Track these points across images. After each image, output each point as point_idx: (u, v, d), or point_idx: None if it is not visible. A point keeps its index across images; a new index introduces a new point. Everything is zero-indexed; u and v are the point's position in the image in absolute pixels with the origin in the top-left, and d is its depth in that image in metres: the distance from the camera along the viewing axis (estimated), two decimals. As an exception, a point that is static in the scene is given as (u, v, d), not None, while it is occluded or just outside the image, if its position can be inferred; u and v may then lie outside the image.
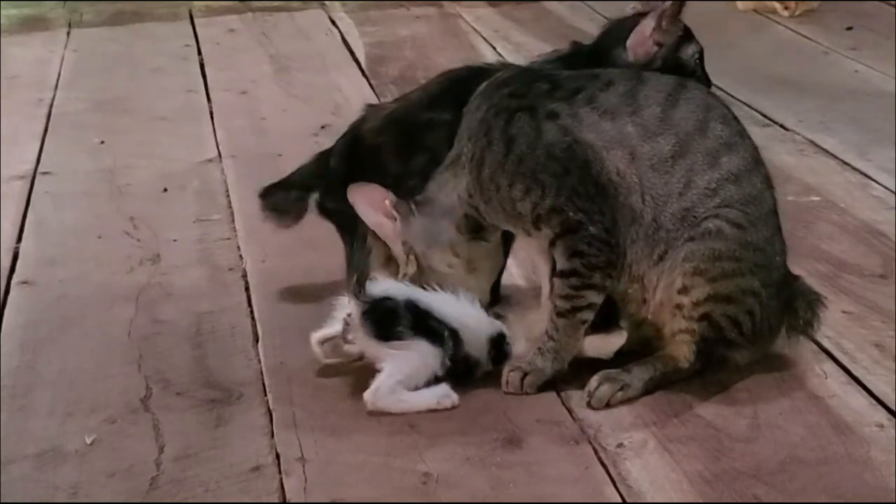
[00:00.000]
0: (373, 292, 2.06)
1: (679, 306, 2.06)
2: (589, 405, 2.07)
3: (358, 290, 2.06)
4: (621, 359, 2.14)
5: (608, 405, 2.07)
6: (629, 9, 2.39)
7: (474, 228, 2.16)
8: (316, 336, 2.16)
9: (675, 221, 2.05)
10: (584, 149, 2.05)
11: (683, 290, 2.05)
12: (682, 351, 2.10)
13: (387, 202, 2.17)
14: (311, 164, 2.47)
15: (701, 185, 2.04)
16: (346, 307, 2.08)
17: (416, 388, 2.06)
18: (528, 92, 2.11)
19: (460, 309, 2.10)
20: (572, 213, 2.05)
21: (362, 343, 2.07)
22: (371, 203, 2.19)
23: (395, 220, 2.17)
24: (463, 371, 2.10)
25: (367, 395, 2.05)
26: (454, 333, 2.08)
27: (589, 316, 2.11)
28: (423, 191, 2.18)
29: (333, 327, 2.13)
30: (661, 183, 2.04)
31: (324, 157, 2.42)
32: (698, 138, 2.05)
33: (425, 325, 2.05)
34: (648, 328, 2.14)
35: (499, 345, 2.13)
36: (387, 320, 2.05)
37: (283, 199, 2.49)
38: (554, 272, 2.10)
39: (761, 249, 2.08)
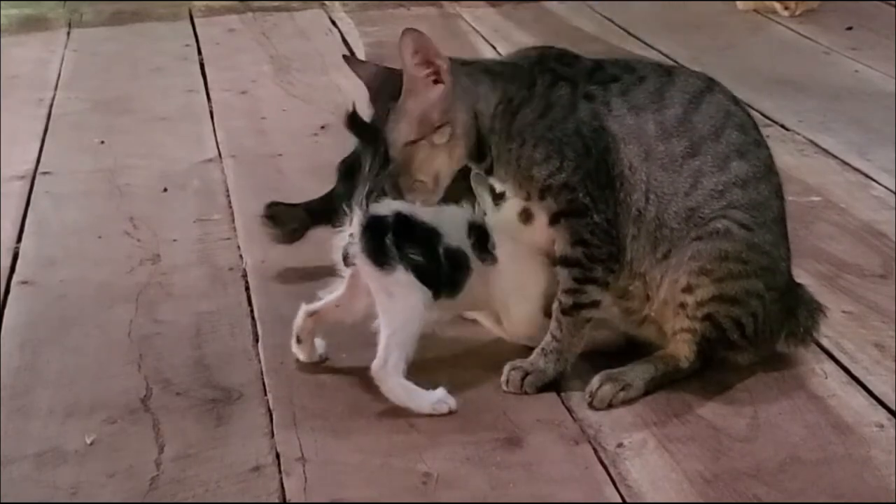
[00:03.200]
0: (375, 211, 2.07)
1: (683, 305, 2.07)
2: (591, 405, 2.07)
3: (366, 203, 2.06)
4: (621, 358, 2.14)
5: (610, 405, 2.07)
6: None
7: (471, 154, 2.12)
8: (306, 308, 2.18)
9: (679, 220, 2.05)
10: (607, 137, 2.05)
11: (688, 289, 2.05)
12: (683, 350, 2.10)
13: (441, 62, 2.06)
14: (319, 199, 2.54)
15: (708, 187, 2.05)
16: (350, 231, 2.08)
17: (413, 338, 2.06)
18: (573, 64, 2.12)
19: (437, 208, 2.13)
20: (582, 195, 2.05)
21: (359, 261, 2.06)
22: (421, 52, 2.05)
23: (445, 83, 2.07)
24: (453, 267, 2.10)
25: (374, 366, 2.04)
26: (433, 231, 2.09)
27: (592, 314, 2.11)
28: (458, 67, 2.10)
29: (324, 299, 2.16)
30: (667, 181, 2.05)
31: (331, 193, 2.50)
32: (711, 142, 2.06)
33: (411, 248, 2.06)
34: (650, 326, 2.14)
35: (479, 232, 2.14)
36: (380, 237, 2.05)
37: (285, 214, 2.57)
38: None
39: (767, 253, 2.08)
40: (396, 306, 2.05)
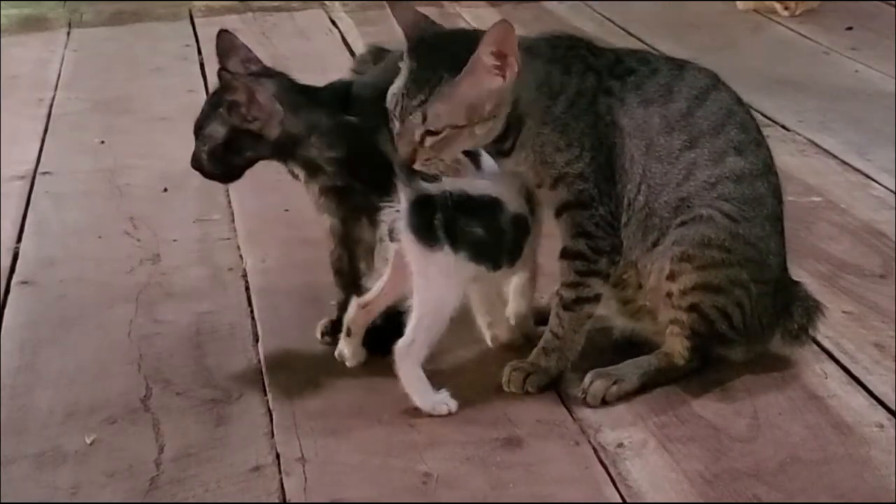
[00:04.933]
0: (423, 186, 2.03)
1: (669, 294, 2.07)
2: (584, 402, 2.08)
3: (408, 179, 2.02)
4: (619, 358, 2.14)
5: (605, 401, 2.07)
6: None
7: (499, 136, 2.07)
8: (358, 300, 2.17)
9: (669, 210, 2.06)
10: (616, 132, 2.05)
11: (671, 277, 2.06)
12: (676, 346, 2.11)
13: (513, 60, 1.98)
14: None
15: (700, 179, 2.05)
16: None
17: (442, 323, 2.05)
18: (599, 56, 2.11)
19: (491, 179, 2.10)
20: (591, 186, 2.05)
21: (404, 237, 2.04)
22: (501, 46, 1.99)
23: (507, 79, 1.99)
24: (520, 232, 2.10)
25: (399, 344, 2.04)
26: (496, 203, 2.07)
27: (593, 309, 2.11)
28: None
29: (373, 289, 2.16)
30: (661, 172, 2.05)
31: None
32: (710, 137, 2.06)
33: (471, 224, 2.04)
34: (645, 318, 2.14)
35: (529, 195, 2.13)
36: (429, 215, 2.02)
37: None
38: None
39: (753, 245, 2.08)
40: (431, 289, 2.04)
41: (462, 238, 2.03)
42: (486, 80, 1.98)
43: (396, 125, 2.01)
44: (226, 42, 2.25)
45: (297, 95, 2.19)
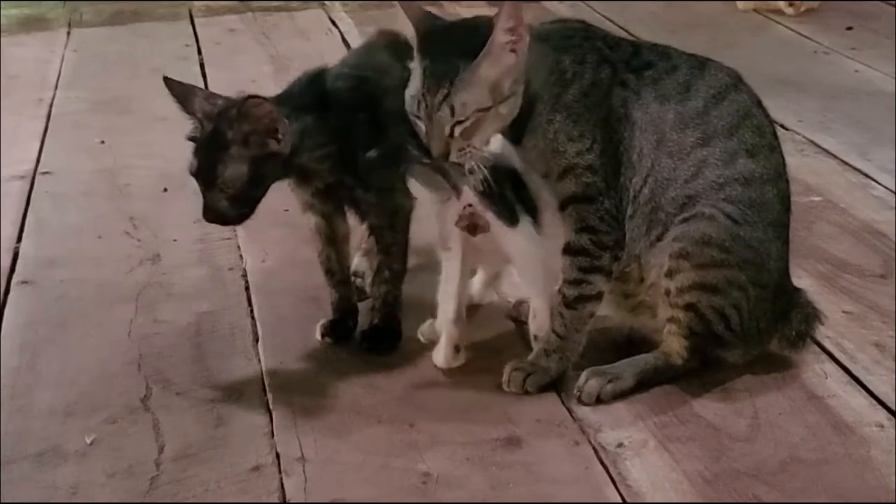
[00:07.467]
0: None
1: (667, 292, 2.07)
2: (579, 400, 2.08)
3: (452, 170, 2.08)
4: (617, 357, 2.14)
5: (599, 400, 2.08)
6: None
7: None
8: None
9: (675, 206, 2.06)
10: (628, 125, 2.05)
11: (669, 274, 2.06)
12: (674, 346, 2.11)
13: (524, 33, 1.99)
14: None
15: (709, 178, 2.05)
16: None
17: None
18: (615, 48, 2.11)
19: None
20: (600, 180, 2.05)
21: (492, 224, 2.10)
22: (514, 21, 1.97)
23: (519, 54, 1.99)
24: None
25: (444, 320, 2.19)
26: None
27: (595, 308, 2.11)
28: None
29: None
30: (670, 167, 2.05)
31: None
32: (723, 137, 2.06)
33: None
34: (645, 313, 2.15)
35: None
36: (504, 199, 2.10)
37: None
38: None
39: (753, 248, 2.08)
40: (523, 257, 2.14)
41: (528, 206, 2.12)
42: (503, 59, 1.98)
43: (422, 126, 2.00)
44: (178, 87, 2.12)
45: (282, 106, 2.13)
